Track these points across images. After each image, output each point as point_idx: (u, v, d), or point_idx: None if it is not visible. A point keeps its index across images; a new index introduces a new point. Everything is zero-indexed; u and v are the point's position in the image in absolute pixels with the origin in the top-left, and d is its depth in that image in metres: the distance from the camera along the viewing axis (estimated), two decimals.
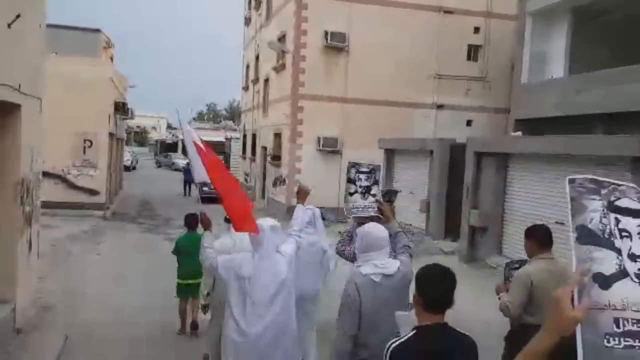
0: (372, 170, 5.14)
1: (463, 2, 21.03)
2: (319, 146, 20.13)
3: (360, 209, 5.02)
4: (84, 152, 18.12)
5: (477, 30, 21.40)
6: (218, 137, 53.30)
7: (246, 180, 29.88)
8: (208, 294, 5.76)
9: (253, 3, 29.67)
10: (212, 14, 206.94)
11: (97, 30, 22.75)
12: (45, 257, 9.44)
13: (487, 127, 21.00)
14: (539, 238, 4.61)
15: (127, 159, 36.34)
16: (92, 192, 18.40)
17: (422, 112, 20.97)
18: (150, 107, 75.98)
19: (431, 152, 15.91)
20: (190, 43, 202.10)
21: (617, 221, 1.53)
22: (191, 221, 7.22)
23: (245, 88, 32.31)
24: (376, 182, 5.09)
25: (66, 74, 15.95)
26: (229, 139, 41.30)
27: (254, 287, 4.35)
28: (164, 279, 9.75)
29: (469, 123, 21.25)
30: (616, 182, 1.63)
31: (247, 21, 31.96)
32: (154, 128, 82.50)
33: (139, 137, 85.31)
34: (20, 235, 7.03)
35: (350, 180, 5.16)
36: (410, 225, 16.51)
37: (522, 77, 16.62)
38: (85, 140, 18.05)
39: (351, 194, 5.10)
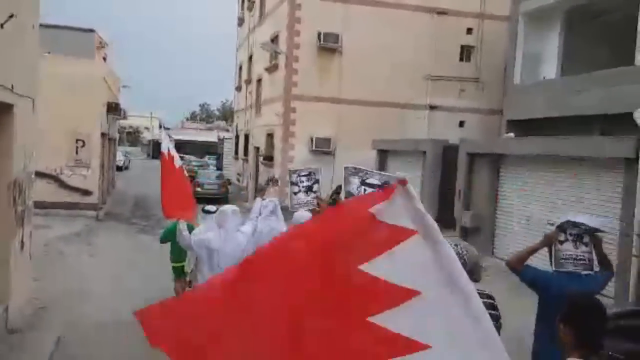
0: (311, 173, 6.27)
1: (456, 3, 21.09)
2: (312, 147, 20.15)
3: (303, 204, 6.20)
4: (77, 152, 18.05)
5: (469, 31, 21.49)
6: (210, 137, 53.25)
7: (238, 180, 29.86)
8: (191, 271, 7.09)
9: (246, 4, 29.67)
10: (211, 14, 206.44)
11: (91, 30, 22.65)
12: (38, 257, 9.40)
13: (480, 128, 21.07)
14: None
15: (119, 159, 36.19)
16: (85, 192, 18.32)
17: (415, 113, 21.02)
18: (143, 107, 75.64)
19: (424, 153, 15.97)
20: (186, 43, 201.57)
21: (365, 190, 3.07)
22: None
23: (238, 88, 32.28)
24: (317, 182, 6.30)
25: (59, 74, 15.85)
26: (221, 139, 41.24)
27: (221, 256, 5.63)
28: (158, 279, 9.73)
29: (461, 124, 21.32)
30: (368, 169, 3.43)
31: (240, 22, 31.95)
32: (146, 128, 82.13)
33: (132, 137, 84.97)
34: (12, 235, 7.01)
35: (292, 184, 6.33)
36: None
37: (515, 78, 16.71)
38: (77, 140, 17.97)
39: (295, 194, 6.28)
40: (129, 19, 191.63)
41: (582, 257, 4.42)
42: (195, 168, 32.99)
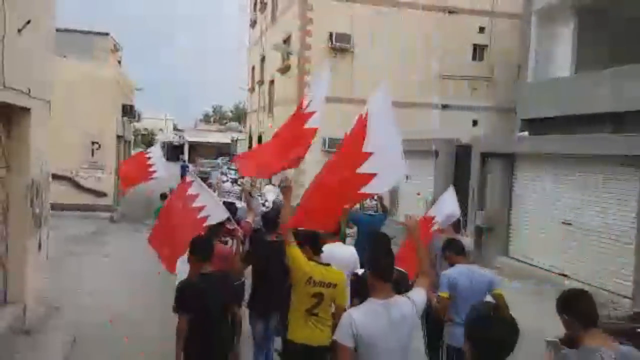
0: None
1: (467, 1, 21.02)
2: (324, 147, 20.15)
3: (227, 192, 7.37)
4: (92, 155, 18.27)
5: (482, 30, 21.39)
6: (224, 138, 53.46)
7: (252, 184, 29.89)
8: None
9: (259, 5, 29.77)
10: (225, 15, 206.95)
11: (106, 34, 22.89)
12: (53, 258, 9.51)
13: (493, 127, 20.96)
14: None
15: None
16: (100, 194, 18.52)
17: (427, 112, 20.97)
18: (157, 109, 76.10)
19: (436, 152, 15.91)
20: (200, 44, 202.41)
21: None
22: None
23: (251, 90, 32.38)
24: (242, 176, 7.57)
25: (75, 77, 16.07)
26: (234, 140, 41.39)
27: None
28: (171, 279, 9.80)
29: (474, 123, 21.23)
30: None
31: (253, 23, 32.07)
32: (160, 130, 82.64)
33: (146, 139, 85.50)
34: (30, 236, 7.11)
35: (222, 173, 7.64)
36: None
37: (528, 76, 16.60)
38: (93, 143, 18.19)
39: (224, 182, 7.58)
40: (136, 17, 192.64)
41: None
42: (208, 169, 33.25)
